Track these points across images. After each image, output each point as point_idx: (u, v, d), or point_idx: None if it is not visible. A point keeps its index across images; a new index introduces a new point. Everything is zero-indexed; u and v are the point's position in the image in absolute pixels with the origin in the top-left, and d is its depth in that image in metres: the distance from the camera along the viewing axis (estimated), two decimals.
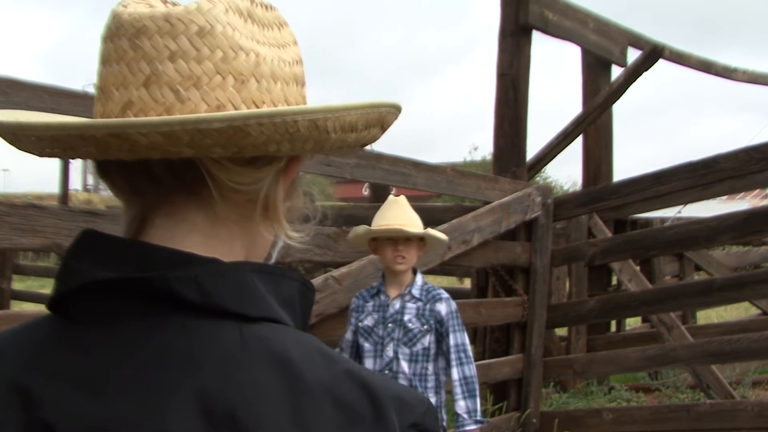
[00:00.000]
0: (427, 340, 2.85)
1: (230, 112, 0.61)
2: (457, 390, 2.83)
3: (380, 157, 3.83)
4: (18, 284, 8.93)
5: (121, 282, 0.62)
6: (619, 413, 4.79)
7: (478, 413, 2.84)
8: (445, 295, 2.92)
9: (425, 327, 2.85)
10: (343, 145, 0.67)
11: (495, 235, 4.62)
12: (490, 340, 5.15)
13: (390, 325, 2.86)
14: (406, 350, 2.83)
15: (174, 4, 0.67)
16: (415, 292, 2.89)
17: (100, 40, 0.67)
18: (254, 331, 0.63)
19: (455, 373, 2.83)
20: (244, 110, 0.63)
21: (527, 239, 5.01)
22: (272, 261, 0.76)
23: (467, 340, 2.90)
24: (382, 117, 0.69)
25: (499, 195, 4.71)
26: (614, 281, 6.65)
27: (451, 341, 2.85)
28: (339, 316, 3.37)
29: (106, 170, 0.69)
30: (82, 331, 0.63)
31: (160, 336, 0.61)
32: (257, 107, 0.65)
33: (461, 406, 2.82)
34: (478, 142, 27.70)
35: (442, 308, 2.87)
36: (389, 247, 2.85)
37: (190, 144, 0.60)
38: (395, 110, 0.71)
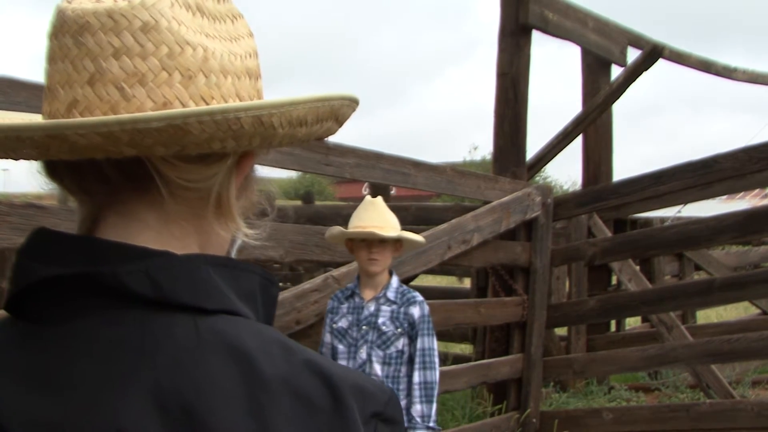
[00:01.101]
0: (401, 343, 2.85)
1: (169, 110, 0.59)
2: (416, 393, 2.82)
3: (380, 157, 3.83)
4: None
5: (71, 278, 0.61)
6: (619, 413, 4.79)
7: (432, 419, 2.82)
8: (420, 298, 2.91)
9: (399, 330, 2.85)
10: (293, 140, 0.66)
11: (495, 235, 4.63)
12: (489, 340, 5.16)
13: (364, 327, 2.87)
14: (380, 353, 2.83)
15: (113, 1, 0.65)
16: (390, 294, 2.88)
17: (46, 37, 0.66)
18: (210, 324, 0.62)
19: (416, 377, 2.83)
20: (184, 108, 0.62)
21: (527, 239, 5.01)
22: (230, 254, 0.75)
23: (435, 346, 2.90)
24: (335, 110, 0.68)
25: (499, 195, 4.72)
26: (614, 281, 6.65)
27: (418, 345, 2.85)
28: None
29: (53, 171, 0.67)
30: (37, 330, 0.62)
31: (114, 331, 0.60)
32: (206, 103, 0.64)
33: (417, 409, 2.81)
34: (477, 142, 27.73)
35: (415, 311, 2.87)
36: (363, 249, 2.85)
37: (131, 144, 0.59)
38: (350, 102, 0.69)
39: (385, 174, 3.87)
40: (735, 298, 4.89)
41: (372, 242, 2.84)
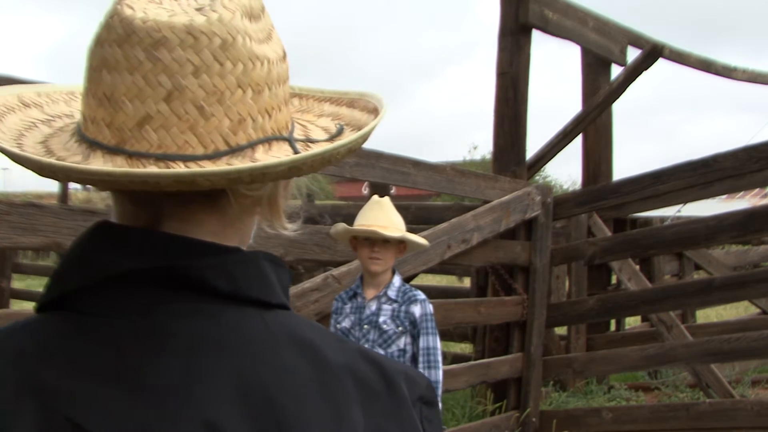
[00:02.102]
0: (403, 341, 2.85)
1: (293, 156, 0.63)
2: None
3: (380, 156, 3.83)
4: (18, 283, 8.93)
5: (148, 271, 0.61)
6: (618, 412, 4.79)
7: None
8: (422, 296, 2.91)
9: (400, 329, 2.85)
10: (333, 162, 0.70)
11: (495, 234, 4.63)
12: (489, 340, 5.16)
13: (365, 326, 2.87)
14: (381, 352, 2.83)
15: (184, 4, 0.65)
16: (391, 293, 2.88)
17: (98, 42, 0.63)
18: (274, 317, 0.66)
19: None
20: (254, 122, 0.64)
21: (527, 238, 5.01)
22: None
23: (438, 345, 2.89)
24: (366, 135, 0.71)
25: (499, 194, 4.72)
26: (614, 280, 6.65)
27: (421, 344, 2.85)
28: None
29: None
30: (104, 324, 0.61)
31: (189, 325, 0.62)
32: (269, 115, 0.66)
33: None
34: (477, 142, 27.72)
35: (416, 310, 2.86)
36: (366, 247, 2.86)
37: (249, 181, 0.63)
38: (376, 122, 0.72)
39: (384, 173, 3.87)
40: (735, 297, 4.90)
41: (375, 241, 2.84)
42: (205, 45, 0.62)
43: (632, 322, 7.85)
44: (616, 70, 6.94)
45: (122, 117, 0.62)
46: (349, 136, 0.67)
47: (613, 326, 7.11)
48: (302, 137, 0.70)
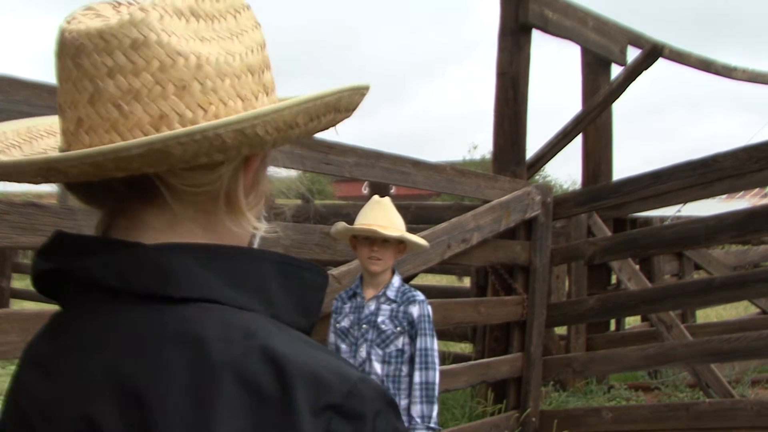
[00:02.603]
0: (401, 341, 2.85)
1: (148, 137, 0.61)
2: (416, 394, 2.81)
3: (380, 156, 3.83)
4: (17, 283, 8.92)
5: (53, 272, 0.68)
6: (618, 412, 4.79)
7: (433, 420, 2.81)
8: (420, 297, 2.90)
9: (398, 329, 2.84)
10: (288, 140, 0.67)
11: (494, 234, 4.63)
12: (489, 339, 5.16)
13: (364, 326, 2.87)
14: (379, 351, 2.83)
15: (119, 11, 0.66)
16: (390, 293, 2.88)
17: (54, 56, 0.69)
18: (176, 313, 0.63)
19: (417, 377, 2.82)
20: (181, 118, 0.64)
21: (527, 238, 5.01)
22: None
23: (435, 346, 2.89)
24: (332, 105, 0.68)
25: (499, 194, 4.72)
26: (614, 280, 6.65)
27: (418, 345, 2.84)
28: None
29: (66, 184, 0.71)
30: (59, 318, 0.72)
31: (92, 321, 0.66)
32: (204, 110, 0.65)
33: (417, 410, 2.80)
34: (477, 142, 27.71)
35: (414, 310, 2.86)
36: (366, 247, 2.86)
37: (118, 169, 0.62)
38: (350, 93, 0.69)
39: (384, 173, 3.87)
40: (735, 297, 4.90)
41: (374, 241, 2.84)
42: (115, 46, 0.63)
43: (632, 321, 7.85)
44: (616, 70, 6.94)
45: (67, 123, 0.67)
46: (230, 118, 0.62)
47: (613, 326, 7.11)
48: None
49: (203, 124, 0.62)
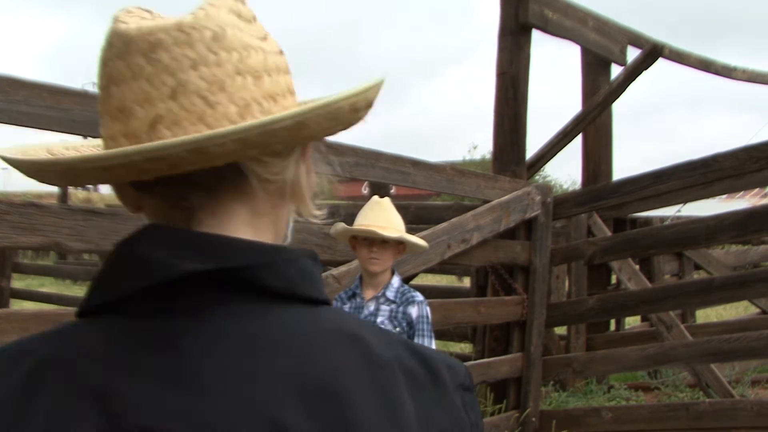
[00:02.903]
0: None
1: (296, 110, 0.63)
2: None
3: (380, 156, 3.83)
4: (17, 283, 8.94)
5: (207, 274, 0.62)
6: (618, 412, 4.79)
7: None
8: (420, 298, 2.90)
9: (397, 329, 2.84)
10: (333, 132, 0.69)
11: (494, 234, 4.63)
12: (489, 339, 5.16)
13: None
14: None
15: (161, 17, 0.68)
16: (390, 294, 2.88)
17: (103, 62, 0.66)
18: (322, 314, 0.68)
19: None
20: (261, 107, 0.66)
21: (527, 238, 5.01)
22: (288, 242, 0.78)
23: (434, 346, 2.89)
24: (372, 98, 0.70)
25: (499, 194, 4.72)
26: (614, 280, 6.65)
27: None
28: None
29: (138, 185, 0.68)
30: (157, 327, 0.62)
31: (243, 325, 0.63)
32: (274, 101, 0.68)
33: None
34: (477, 142, 27.71)
35: (413, 311, 2.86)
36: (365, 247, 2.86)
37: (259, 145, 0.62)
38: (377, 87, 0.71)
39: (384, 173, 3.87)
40: (735, 297, 4.89)
41: (373, 242, 2.84)
42: (197, 39, 0.64)
43: (632, 321, 7.85)
44: (616, 70, 6.94)
45: (135, 123, 0.64)
46: (354, 89, 0.68)
47: (612, 326, 7.11)
48: None
49: (309, 105, 0.64)
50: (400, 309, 2.86)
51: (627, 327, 7.38)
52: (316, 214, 0.77)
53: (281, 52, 0.72)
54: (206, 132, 0.61)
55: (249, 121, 0.63)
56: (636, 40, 7.08)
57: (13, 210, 2.32)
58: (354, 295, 2.94)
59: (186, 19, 0.65)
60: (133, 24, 0.65)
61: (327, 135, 0.67)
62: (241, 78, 0.65)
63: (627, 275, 5.54)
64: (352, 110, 0.67)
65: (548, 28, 5.88)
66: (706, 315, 9.49)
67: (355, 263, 3.50)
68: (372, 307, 2.88)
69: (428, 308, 2.91)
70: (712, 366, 5.13)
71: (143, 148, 0.60)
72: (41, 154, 0.71)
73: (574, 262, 6.00)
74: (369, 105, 0.69)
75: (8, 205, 2.32)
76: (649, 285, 5.58)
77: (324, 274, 3.53)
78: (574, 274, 6.30)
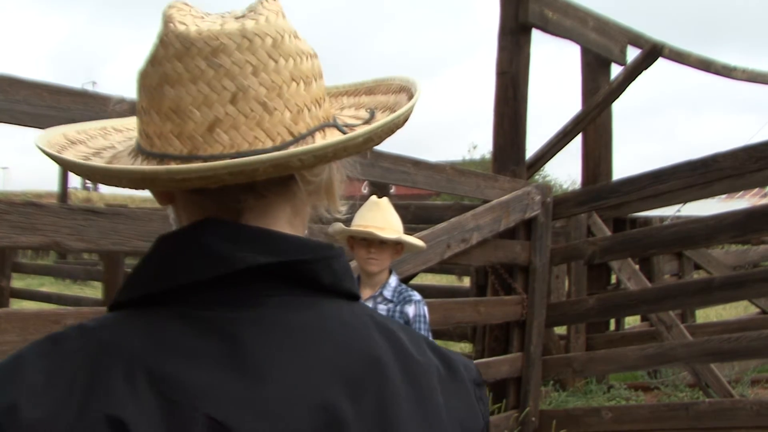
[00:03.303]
0: None
1: (387, 118, 0.68)
2: None
3: (380, 156, 3.83)
4: (17, 282, 8.94)
5: (267, 267, 0.66)
6: (618, 412, 4.79)
7: None
8: (417, 297, 2.90)
9: None
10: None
11: (494, 234, 4.62)
12: (489, 339, 5.16)
13: None
14: None
15: (210, 16, 0.69)
16: (387, 293, 2.88)
17: (156, 61, 0.66)
18: (359, 308, 0.74)
19: None
20: (309, 112, 0.69)
21: (526, 238, 5.01)
22: None
23: None
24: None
25: (499, 193, 4.72)
26: (613, 280, 6.65)
27: None
28: None
29: (199, 190, 0.68)
30: (217, 317, 0.64)
31: (297, 316, 0.67)
32: (319, 105, 0.71)
33: None
34: (477, 141, 27.71)
35: (410, 310, 2.86)
36: (363, 248, 2.86)
37: (333, 158, 0.68)
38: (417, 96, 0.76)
39: (384, 173, 3.87)
40: (734, 297, 4.90)
41: (371, 242, 2.83)
42: (259, 45, 0.66)
43: (632, 321, 7.86)
44: (615, 70, 6.94)
45: (192, 125, 0.65)
46: (410, 103, 0.72)
47: (612, 326, 7.12)
48: (343, 124, 0.74)
49: (393, 115, 0.70)
50: (398, 308, 2.86)
51: (627, 327, 7.38)
52: (342, 210, 0.81)
53: (315, 54, 0.74)
54: (292, 149, 0.65)
55: (300, 126, 0.67)
56: (636, 39, 7.08)
57: (13, 210, 2.32)
58: None
59: (248, 25, 0.66)
60: (191, 25, 0.66)
61: (379, 144, 0.72)
62: (295, 84, 0.68)
63: (627, 275, 5.54)
64: (404, 120, 0.72)
65: (548, 28, 5.88)
66: (706, 315, 9.49)
67: (352, 263, 3.51)
68: (369, 306, 2.88)
69: (425, 308, 2.91)
70: (712, 366, 5.13)
71: (234, 163, 0.62)
72: (61, 141, 0.75)
73: (574, 262, 6.00)
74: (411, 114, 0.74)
75: (8, 205, 2.32)
76: (649, 285, 5.58)
77: None
78: (574, 274, 6.30)
